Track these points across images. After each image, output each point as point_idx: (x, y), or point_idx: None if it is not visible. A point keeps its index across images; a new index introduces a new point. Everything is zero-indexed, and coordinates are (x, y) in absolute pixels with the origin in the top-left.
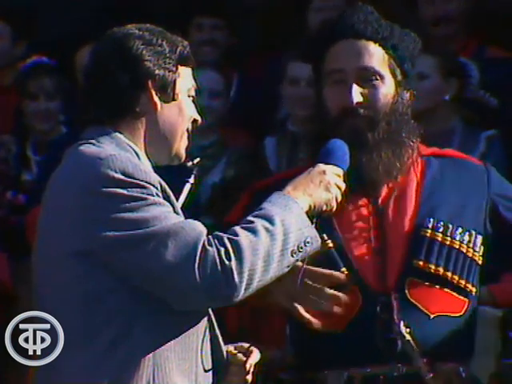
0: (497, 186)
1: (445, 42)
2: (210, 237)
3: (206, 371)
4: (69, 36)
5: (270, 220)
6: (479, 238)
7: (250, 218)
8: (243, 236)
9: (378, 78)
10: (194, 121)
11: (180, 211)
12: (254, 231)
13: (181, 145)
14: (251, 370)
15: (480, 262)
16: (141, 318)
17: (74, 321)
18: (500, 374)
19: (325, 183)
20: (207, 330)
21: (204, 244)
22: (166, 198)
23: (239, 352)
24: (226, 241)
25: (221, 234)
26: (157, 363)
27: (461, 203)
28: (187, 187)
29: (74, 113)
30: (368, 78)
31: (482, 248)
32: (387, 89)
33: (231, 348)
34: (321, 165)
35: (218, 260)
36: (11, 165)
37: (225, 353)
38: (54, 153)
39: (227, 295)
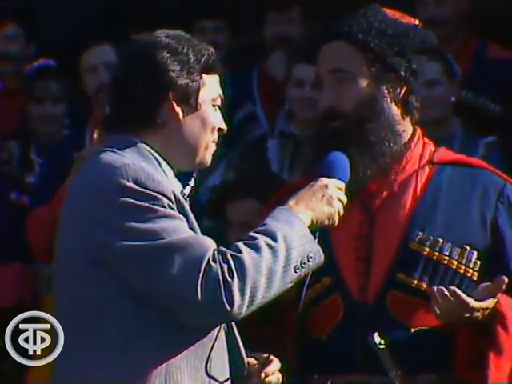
0: (506, 202)
1: (441, 43)
2: (215, 252)
3: (221, 382)
4: (72, 38)
5: (272, 236)
6: (475, 254)
7: (252, 233)
8: (246, 253)
9: (348, 77)
10: (220, 129)
11: (195, 221)
12: (256, 248)
13: (205, 154)
14: (266, 378)
15: (475, 278)
16: (152, 326)
17: (85, 325)
18: None
19: (327, 197)
20: (218, 339)
21: (209, 260)
22: (181, 208)
23: (258, 362)
24: (230, 258)
25: (224, 249)
26: (168, 372)
27: (463, 217)
28: (187, 190)
29: (78, 116)
30: (338, 79)
31: (479, 263)
32: (359, 87)
33: (252, 360)
34: (323, 179)
35: (220, 277)
36: (14, 167)
37: (246, 360)
38: (56, 155)
39: (228, 312)
